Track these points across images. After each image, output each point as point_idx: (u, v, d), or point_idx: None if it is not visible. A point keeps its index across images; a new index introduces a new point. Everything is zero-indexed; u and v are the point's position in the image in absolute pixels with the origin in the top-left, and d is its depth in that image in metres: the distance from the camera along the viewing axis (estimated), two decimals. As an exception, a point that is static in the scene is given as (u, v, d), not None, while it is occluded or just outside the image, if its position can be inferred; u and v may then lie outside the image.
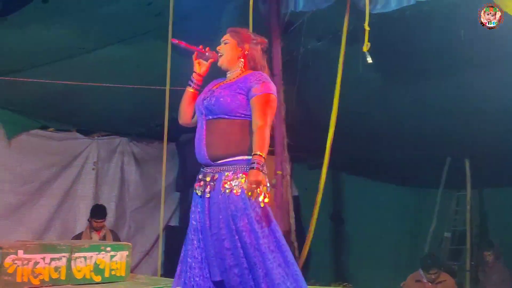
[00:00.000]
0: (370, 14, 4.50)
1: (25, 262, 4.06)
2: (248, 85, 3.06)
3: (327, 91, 5.23)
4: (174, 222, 8.43)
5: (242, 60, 3.18)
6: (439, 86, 6.07)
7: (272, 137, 5.33)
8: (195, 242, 3.04)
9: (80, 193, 7.50)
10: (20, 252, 4.06)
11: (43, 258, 4.17)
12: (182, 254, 3.13)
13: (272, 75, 5.29)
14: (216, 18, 5.40)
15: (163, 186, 5.94)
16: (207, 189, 3.01)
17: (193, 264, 3.03)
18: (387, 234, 8.68)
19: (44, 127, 7.28)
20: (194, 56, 3.23)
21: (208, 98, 3.08)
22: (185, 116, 3.26)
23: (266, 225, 2.94)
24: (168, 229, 8.20)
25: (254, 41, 3.25)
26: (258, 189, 2.85)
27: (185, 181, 8.24)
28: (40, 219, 7.10)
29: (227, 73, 3.20)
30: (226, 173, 2.99)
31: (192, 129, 8.27)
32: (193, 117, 3.23)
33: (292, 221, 5.54)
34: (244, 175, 2.95)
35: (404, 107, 6.65)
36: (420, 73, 5.99)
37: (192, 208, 3.10)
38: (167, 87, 4.90)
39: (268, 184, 2.99)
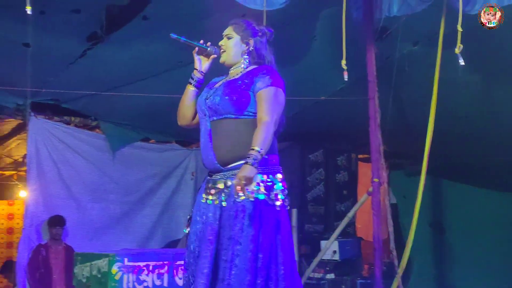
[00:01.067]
0: (469, 15, 4.35)
1: (130, 269, 4.22)
2: (253, 79, 2.80)
3: (425, 96, 5.11)
4: (271, 231, 8.46)
5: (247, 57, 2.92)
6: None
7: (367, 144, 5.31)
8: (191, 256, 2.83)
9: (179, 202, 7.71)
10: (126, 259, 4.23)
11: (147, 266, 4.31)
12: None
13: (367, 81, 5.26)
14: (310, 26, 5.41)
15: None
16: (222, 197, 2.77)
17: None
18: (491, 243, 8.31)
19: (145, 139, 7.55)
20: (194, 52, 2.98)
21: (212, 97, 2.84)
22: (185, 117, 2.98)
23: (272, 234, 2.70)
24: (265, 237, 8.24)
25: (260, 33, 2.94)
26: (247, 186, 2.56)
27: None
28: (143, 227, 7.35)
29: (230, 69, 2.95)
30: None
31: (286, 138, 8.28)
32: (194, 117, 2.98)
33: (391, 229, 5.43)
34: (257, 176, 2.67)
35: (508, 110, 6.37)
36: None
37: (197, 218, 2.84)
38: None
39: (255, 186, 2.66)
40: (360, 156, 8.91)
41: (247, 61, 2.91)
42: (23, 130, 6.99)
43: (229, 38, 2.93)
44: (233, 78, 2.89)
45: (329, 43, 5.59)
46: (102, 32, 4.78)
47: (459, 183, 8.80)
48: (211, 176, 2.85)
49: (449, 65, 4.66)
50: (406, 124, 7.06)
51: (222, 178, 2.79)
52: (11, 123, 7.20)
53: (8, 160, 8.94)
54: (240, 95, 2.78)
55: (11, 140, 7.88)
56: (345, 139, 8.32)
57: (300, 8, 4.89)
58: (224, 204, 2.75)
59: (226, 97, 2.78)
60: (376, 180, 5.21)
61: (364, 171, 8.24)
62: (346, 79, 4.73)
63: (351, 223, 8.22)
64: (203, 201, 2.84)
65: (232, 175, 2.74)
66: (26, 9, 3.28)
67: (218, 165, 2.78)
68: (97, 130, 7.15)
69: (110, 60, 5.38)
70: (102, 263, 4.56)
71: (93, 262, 4.77)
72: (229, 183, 2.75)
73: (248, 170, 2.55)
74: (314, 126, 7.61)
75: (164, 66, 5.55)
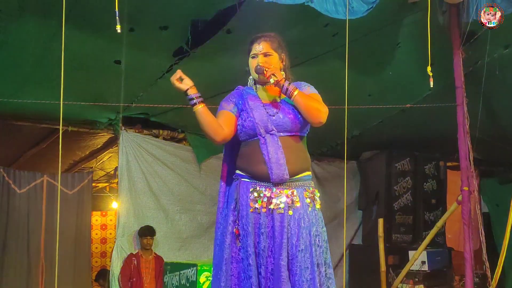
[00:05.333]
0: None
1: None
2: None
3: (517, 101, 4.92)
4: (357, 241, 8.39)
5: (284, 73, 3.04)
6: None
7: (456, 152, 5.17)
8: (252, 269, 2.80)
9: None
10: (213, 269, 4.29)
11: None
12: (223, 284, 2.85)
13: (454, 87, 5.13)
14: (394, 33, 5.33)
15: (345, 205, 5.93)
16: (285, 206, 2.84)
17: None
18: None
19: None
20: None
21: (279, 115, 2.93)
22: (220, 132, 2.96)
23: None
24: (351, 247, 8.17)
25: (286, 48, 3.13)
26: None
27: (367, 199, 8.17)
28: (229, 237, 7.42)
29: (265, 85, 3.03)
30: (306, 188, 2.93)
31: (372, 147, 8.14)
32: (229, 131, 2.99)
33: (482, 239, 5.25)
34: (315, 191, 2.97)
35: None
36: None
37: (249, 229, 2.84)
38: (346, 106, 4.93)
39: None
40: (449, 164, 8.69)
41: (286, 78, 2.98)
42: (114, 143, 7.24)
43: (267, 55, 3.01)
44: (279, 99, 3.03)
45: (414, 49, 5.50)
46: (187, 47, 4.91)
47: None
48: (265, 184, 2.88)
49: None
50: (497, 131, 6.83)
51: (285, 188, 2.88)
52: (103, 137, 7.48)
53: (101, 173, 9.29)
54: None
55: (103, 154, 8.20)
56: (433, 147, 8.13)
57: (383, 15, 4.84)
58: (290, 213, 2.85)
59: (299, 116, 2.93)
60: (465, 188, 5.07)
61: (453, 179, 8.02)
62: (432, 86, 4.63)
63: (441, 233, 8.01)
64: (251, 211, 2.86)
65: (298, 185, 2.91)
66: (116, 28, 3.41)
67: (288, 177, 2.88)
68: (184, 142, 7.31)
69: (195, 74, 5.45)
70: (191, 272, 4.66)
71: (181, 271, 4.89)
72: (295, 192, 2.88)
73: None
74: (400, 134, 7.49)
75: (248, 79, 5.62)
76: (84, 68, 5.15)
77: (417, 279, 6.78)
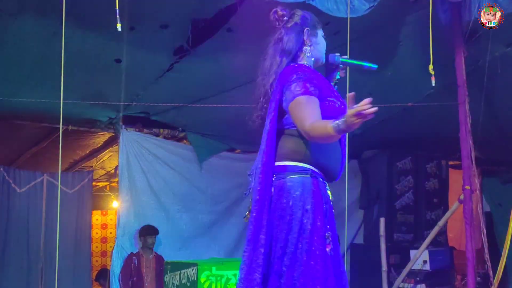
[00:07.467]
0: None
1: (218, 278, 4.27)
2: None
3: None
4: (358, 240, 8.36)
5: None
6: None
7: (458, 150, 5.15)
8: (344, 276, 2.56)
9: (266, 212, 7.71)
10: (214, 268, 4.29)
11: (235, 275, 4.35)
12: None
13: (456, 86, 5.11)
14: (395, 31, 5.31)
15: (346, 204, 5.90)
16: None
17: None
18: None
19: (231, 149, 7.62)
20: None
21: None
22: None
23: None
24: (353, 247, 8.15)
25: None
26: None
27: (369, 198, 8.15)
28: (230, 237, 7.41)
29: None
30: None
31: (373, 146, 8.11)
32: None
33: (484, 238, 5.23)
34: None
35: None
36: None
37: (336, 233, 2.59)
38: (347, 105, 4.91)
39: None
40: (451, 162, 8.67)
41: None
42: (115, 142, 7.23)
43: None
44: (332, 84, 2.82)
45: (415, 48, 5.47)
46: (188, 45, 4.89)
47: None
48: (327, 183, 2.61)
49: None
50: (499, 130, 6.80)
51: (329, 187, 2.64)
52: (103, 136, 7.47)
53: (101, 172, 9.29)
54: None
55: (104, 153, 8.18)
56: (435, 145, 8.11)
57: (385, 13, 4.81)
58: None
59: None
60: (467, 187, 5.05)
61: (455, 178, 8.00)
62: (433, 84, 4.61)
63: (443, 232, 7.99)
64: (329, 208, 2.56)
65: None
66: (116, 27, 3.40)
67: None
68: (184, 141, 7.29)
69: (196, 73, 5.49)
70: (191, 271, 4.65)
71: (182, 271, 4.87)
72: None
73: None
74: (401, 133, 7.46)
75: (249, 77, 5.59)
76: (84, 66, 5.13)
77: (418, 279, 6.76)
